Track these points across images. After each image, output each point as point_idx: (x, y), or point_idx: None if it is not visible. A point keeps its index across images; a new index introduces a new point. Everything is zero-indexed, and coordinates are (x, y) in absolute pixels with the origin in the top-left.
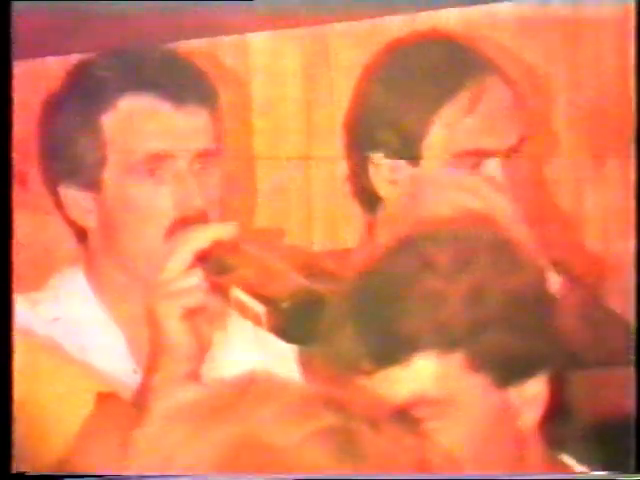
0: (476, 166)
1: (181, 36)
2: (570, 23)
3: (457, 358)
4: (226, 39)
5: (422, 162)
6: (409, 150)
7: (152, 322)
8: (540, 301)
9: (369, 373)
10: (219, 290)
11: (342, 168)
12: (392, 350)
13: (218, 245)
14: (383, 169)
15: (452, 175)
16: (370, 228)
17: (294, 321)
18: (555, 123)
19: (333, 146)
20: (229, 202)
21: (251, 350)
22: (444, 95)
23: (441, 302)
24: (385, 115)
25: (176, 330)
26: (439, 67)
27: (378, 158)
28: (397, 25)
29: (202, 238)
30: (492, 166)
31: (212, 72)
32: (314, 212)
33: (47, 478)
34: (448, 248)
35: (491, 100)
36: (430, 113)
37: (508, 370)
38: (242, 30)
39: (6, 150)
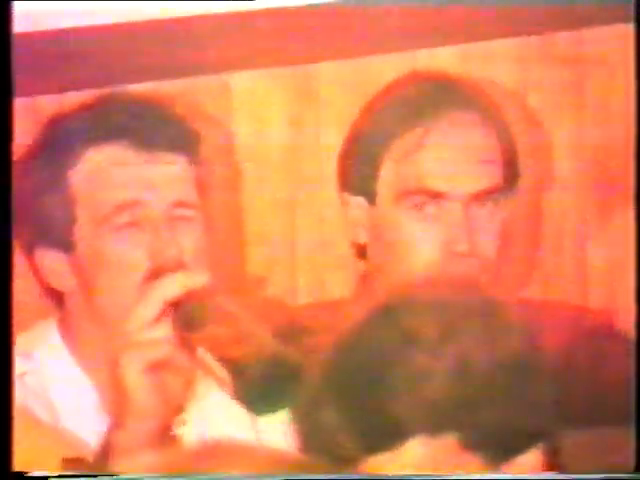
0: (422, 207)
1: (158, 76)
2: (574, 61)
3: (449, 440)
4: (206, 79)
5: (377, 201)
6: (365, 187)
7: (115, 374)
8: (532, 366)
9: (355, 460)
10: (186, 346)
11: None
12: (378, 436)
13: (190, 295)
14: (351, 209)
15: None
16: (364, 277)
17: (262, 391)
18: (557, 168)
19: (320, 190)
20: (213, 251)
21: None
22: (397, 131)
23: (427, 379)
24: (354, 153)
25: (137, 384)
26: (407, 105)
27: (346, 197)
28: (389, 64)
29: (172, 287)
30: (450, 210)
31: (192, 116)
32: (299, 260)
33: (47, 478)
34: (430, 318)
35: (461, 141)
36: (383, 150)
37: (502, 446)
38: (223, 69)
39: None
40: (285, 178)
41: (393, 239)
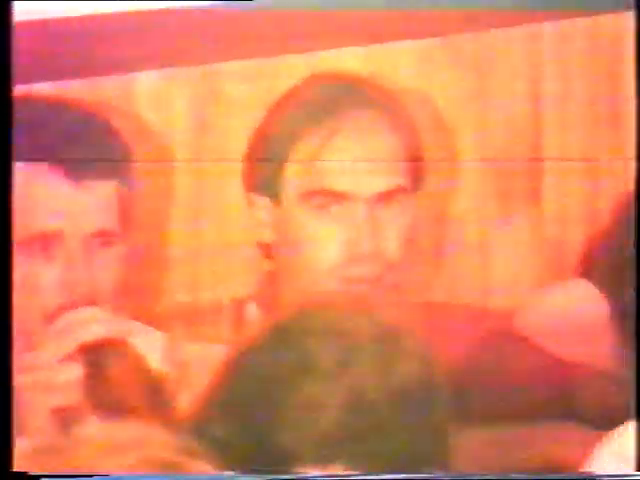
0: (325, 207)
1: (61, 76)
2: (478, 63)
3: (338, 469)
4: (109, 79)
5: (282, 201)
6: (270, 188)
7: (19, 409)
8: (427, 393)
9: None
10: (96, 399)
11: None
12: (267, 466)
13: (105, 341)
14: (257, 209)
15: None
16: (269, 277)
17: None
18: (461, 170)
19: (225, 190)
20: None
21: None
22: (301, 132)
23: (318, 408)
24: (259, 154)
25: (41, 422)
26: (312, 106)
27: (252, 198)
28: (294, 65)
29: (91, 332)
30: (353, 210)
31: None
32: (204, 260)
33: (47, 478)
34: (327, 344)
35: (362, 143)
36: (288, 151)
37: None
38: (127, 69)
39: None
40: (190, 179)
41: (298, 239)
